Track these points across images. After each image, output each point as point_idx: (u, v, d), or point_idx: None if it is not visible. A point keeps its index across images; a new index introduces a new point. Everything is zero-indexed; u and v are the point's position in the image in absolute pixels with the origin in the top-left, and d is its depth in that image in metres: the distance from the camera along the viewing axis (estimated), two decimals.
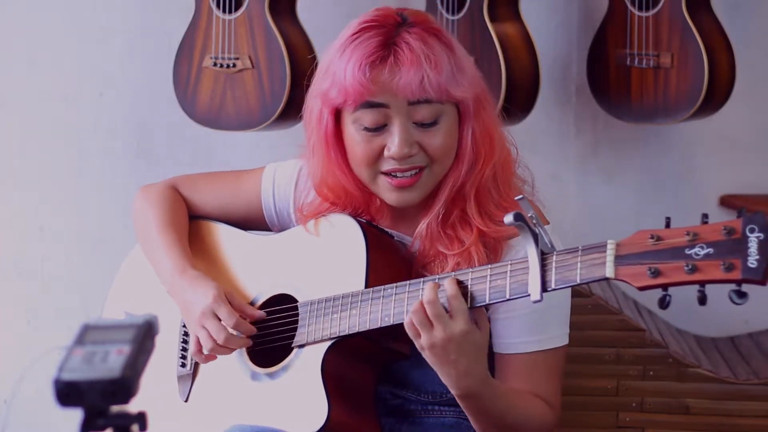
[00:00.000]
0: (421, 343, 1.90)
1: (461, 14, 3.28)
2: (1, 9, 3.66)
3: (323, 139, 2.11)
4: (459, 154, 2.08)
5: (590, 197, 3.66)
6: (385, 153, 2.05)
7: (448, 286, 1.89)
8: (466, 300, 1.91)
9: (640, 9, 3.28)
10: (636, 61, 3.29)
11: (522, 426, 2.03)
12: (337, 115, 2.09)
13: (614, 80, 3.35)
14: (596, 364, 3.10)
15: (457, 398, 1.97)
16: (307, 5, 3.39)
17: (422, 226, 2.10)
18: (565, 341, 2.10)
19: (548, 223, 2.06)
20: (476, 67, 2.12)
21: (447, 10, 3.27)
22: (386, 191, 2.08)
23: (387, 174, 2.06)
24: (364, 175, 2.09)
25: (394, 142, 2.03)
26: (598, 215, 3.64)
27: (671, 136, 3.63)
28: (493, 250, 2.07)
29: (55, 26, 3.66)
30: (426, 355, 1.91)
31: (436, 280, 1.93)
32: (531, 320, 2.04)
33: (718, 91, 3.28)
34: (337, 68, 2.04)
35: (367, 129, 2.05)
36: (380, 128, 2.04)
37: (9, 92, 3.69)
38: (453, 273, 1.94)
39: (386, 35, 2.04)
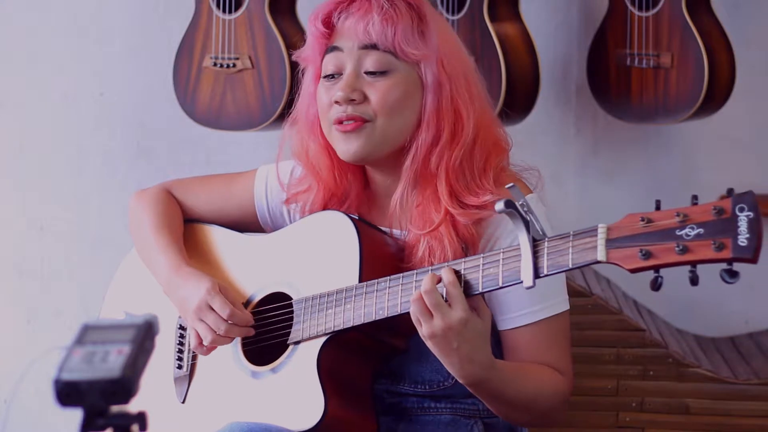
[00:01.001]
0: (423, 332, 1.92)
1: (461, 14, 3.28)
2: (1, 9, 3.66)
3: (305, 100, 2.19)
4: (420, 122, 2.11)
5: (590, 197, 3.66)
6: (332, 99, 2.11)
7: (446, 275, 1.90)
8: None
9: (640, 9, 3.28)
10: (636, 61, 3.29)
11: (535, 401, 2.05)
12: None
13: (614, 80, 3.35)
14: (596, 364, 3.10)
15: (466, 386, 1.98)
16: (307, 5, 3.39)
17: (395, 200, 2.12)
18: (566, 306, 2.12)
19: (531, 191, 2.11)
20: (467, 58, 2.16)
21: (447, 10, 3.27)
22: (337, 142, 2.13)
23: (337, 123, 2.11)
24: (325, 127, 2.14)
25: (339, 85, 2.11)
26: (598, 215, 3.63)
27: (671, 136, 3.63)
28: (465, 234, 2.08)
29: (55, 26, 3.66)
30: (429, 345, 1.93)
31: (430, 271, 1.94)
32: (529, 291, 2.04)
33: (718, 91, 3.28)
34: (308, 24, 2.16)
35: (326, 77, 2.13)
36: (337, 76, 2.12)
37: (9, 92, 3.69)
38: (447, 263, 1.95)
39: None
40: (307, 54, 2.17)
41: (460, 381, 1.97)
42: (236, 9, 3.30)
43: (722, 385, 3.08)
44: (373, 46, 2.09)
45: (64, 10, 3.66)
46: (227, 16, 3.30)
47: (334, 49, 2.12)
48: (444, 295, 1.90)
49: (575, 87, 3.61)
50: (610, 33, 3.35)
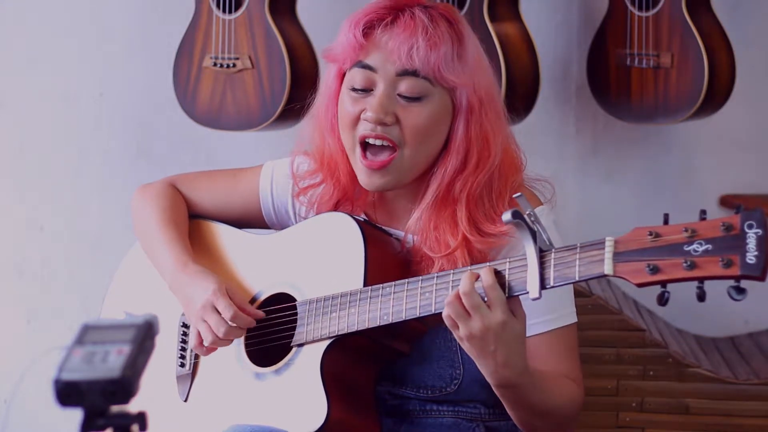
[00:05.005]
0: (459, 334, 1.87)
1: (461, 14, 3.27)
2: (1, 9, 3.66)
3: (325, 98, 2.14)
4: (449, 147, 2.08)
5: (590, 197, 3.66)
6: (362, 115, 2.07)
7: (485, 276, 1.86)
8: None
9: (640, 9, 3.28)
10: (636, 61, 3.29)
11: (556, 411, 2.03)
12: (343, 79, 2.12)
13: (614, 80, 3.35)
14: (596, 364, 3.10)
15: (494, 388, 1.95)
16: (307, 5, 3.39)
17: (412, 220, 2.11)
18: (575, 319, 2.10)
19: (541, 203, 2.11)
20: (492, 74, 2.13)
21: None
22: (361, 172, 2.10)
23: (362, 145, 2.07)
24: (348, 142, 2.10)
25: (372, 104, 2.05)
26: (598, 215, 3.64)
27: (671, 136, 3.63)
28: (479, 257, 2.06)
29: (55, 26, 3.66)
30: (465, 346, 1.89)
31: (435, 278, 1.94)
32: (541, 301, 2.02)
33: (718, 91, 3.28)
34: (344, 26, 2.09)
35: (354, 89, 2.08)
36: (366, 91, 2.07)
37: (9, 92, 3.69)
38: (453, 270, 1.94)
39: (399, 3, 2.08)
40: (336, 54, 2.10)
41: (492, 382, 1.93)
42: (236, 9, 3.30)
43: (722, 385, 3.08)
44: (413, 72, 2.04)
45: (64, 10, 3.66)
46: (227, 16, 3.31)
47: (367, 67, 2.06)
48: (482, 296, 1.86)
49: (575, 87, 3.61)
50: (610, 33, 3.35)
